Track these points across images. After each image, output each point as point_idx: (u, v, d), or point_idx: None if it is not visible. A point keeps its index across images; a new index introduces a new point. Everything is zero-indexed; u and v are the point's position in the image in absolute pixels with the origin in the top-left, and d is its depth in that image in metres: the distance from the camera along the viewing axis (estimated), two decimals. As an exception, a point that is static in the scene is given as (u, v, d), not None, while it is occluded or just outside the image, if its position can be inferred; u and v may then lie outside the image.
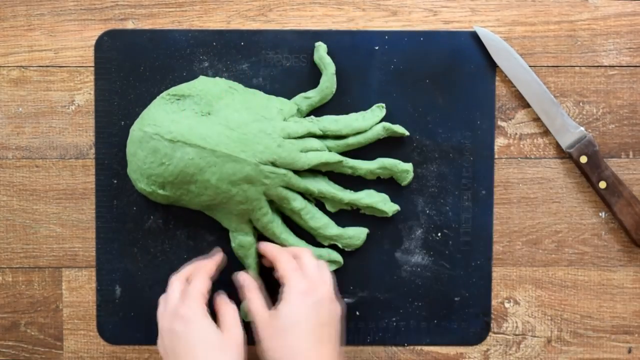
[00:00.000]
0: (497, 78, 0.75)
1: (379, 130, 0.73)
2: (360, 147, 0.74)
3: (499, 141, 0.76)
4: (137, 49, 0.74)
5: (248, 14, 0.75)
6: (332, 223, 0.74)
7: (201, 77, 0.73)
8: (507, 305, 0.76)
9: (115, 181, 0.75)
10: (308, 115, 0.74)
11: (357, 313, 0.76)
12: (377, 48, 0.75)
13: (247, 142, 0.69)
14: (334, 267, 0.75)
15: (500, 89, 0.76)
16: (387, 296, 0.76)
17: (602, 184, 0.74)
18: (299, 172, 0.72)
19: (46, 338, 0.76)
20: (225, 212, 0.71)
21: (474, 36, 0.75)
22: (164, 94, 0.71)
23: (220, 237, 0.74)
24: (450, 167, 0.75)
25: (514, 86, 0.75)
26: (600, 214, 0.76)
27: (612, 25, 0.75)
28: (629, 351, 0.77)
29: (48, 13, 0.75)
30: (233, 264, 0.73)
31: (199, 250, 0.75)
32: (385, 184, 0.75)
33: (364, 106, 0.74)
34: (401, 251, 0.76)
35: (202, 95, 0.70)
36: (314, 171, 0.73)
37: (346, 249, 0.75)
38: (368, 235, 0.75)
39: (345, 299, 0.76)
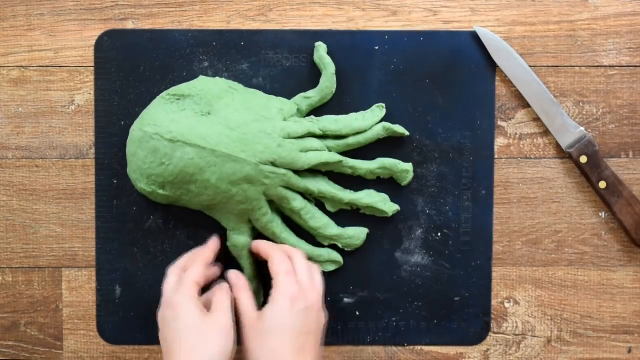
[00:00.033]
0: (497, 78, 0.75)
1: (379, 130, 0.73)
2: (360, 147, 0.74)
3: (499, 141, 0.76)
4: (137, 49, 0.74)
5: (248, 14, 0.75)
6: (332, 223, 0.74)
7: (201, 77, 0.73)
8: (507, 305, 0.76)
9: (115, 181, 0.75)
10: (308, 115, 0.74)
11: (357, 313, 0.76)
12: (377, 48, 0.75)
13: (247, 142, 0.69)
14: (334, 267, 0.75)
15: (500, 89, 0.76)
16: (387, 296, 0.76)
17: (602, 184, 0.74)
18: (299, 172, 0.72)
19: (46, 338, 0.76)
20: (225, 212, 0.71)
21: (474, 36, 0.75)
22: (164, 94, 0.71)
23: (220, 237, 0.74)
24: (450, 167, 0.75)
25: (514, 86, 0.75)
26: (600, 214, 0.76)
27: (612, 25, 0.75)
28: (629, 351, 0.77)
29: (48, 13, 0.75)
30: (234, 260, 0.73)
31: (199, 250, 0.75)
32: (385, 184, 0.75)
33: (364, 106, 0.74)
34: (401, 251, 0.76)
35: (202, 95, 0.70)
36: (314, 171, 0.73)
37: (346, 249, 0.75)
38: (368, 235, 0.75)
39: (345, 299, 0.76)
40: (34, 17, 0.75)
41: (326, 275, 0.75)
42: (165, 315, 0.66)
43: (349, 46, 0.74)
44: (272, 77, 0.74)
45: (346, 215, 0.75)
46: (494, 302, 0.76)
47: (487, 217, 0.76)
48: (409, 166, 0.74)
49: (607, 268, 0.76)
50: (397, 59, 0.75)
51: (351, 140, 0.73)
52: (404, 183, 0.75)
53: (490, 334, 0.76)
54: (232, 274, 0.70)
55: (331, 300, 0.75)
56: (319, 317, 0.67)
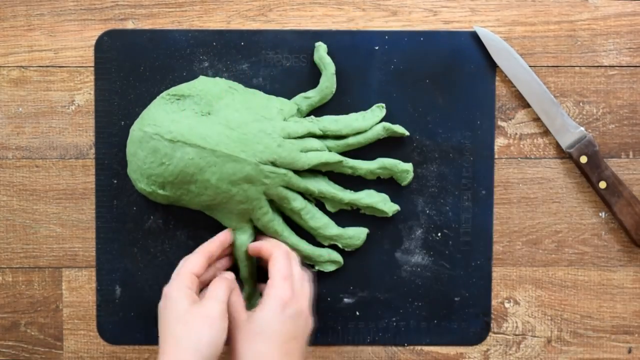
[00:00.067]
0: (497, 78, 0.75)
1: (379, 130, 0.73)
2: (360, 147, 0.74)
3: (499, 141, 0.76)
4: (137, 49, 0.74)
5: (248, 14, 0.75)
6: (332, 223, 0.74)
7: (201, 77, 0.73)
8: (507, 305, 0.76)
9: (115, 181, 0.75)
10: (308, 115, 0.74)
11: (357, 313, 0.76)
12: (377, 48, 0.75)
13: (247, 141, 0.69)
14: (334, 267, 0.75)
15: (500, 89, 0.76)
16: (387, 296, 0.76)
17: (602, 184, 0.74)
18: (299, 172, 0.72)
19: (46, 338, 0.76)
20: (225, 211, 0.71)
21: (474, 36, 0.75)
22: (164, 94, 0.71)
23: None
24: (450, 167, 0.75)
25: (514, 86, 0.75)
26: (600, 214, 0.76)
27: (612, 25, 0.75)
28: (629, 351, 0.77)
29: (48, 13, 0.75)
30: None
31: (199, 250, 0.75)
32: (385, 184, 0.75)
33: (364, 106, 0.74)
34: (401, 251, 0.76)
35: (202, 95, 0.70)
36: (314, 171, 0.73)
37: (346, 249, 0.75)
38: (368, 235, 0.75)
39: (345, 299, 0.76)
40: (34, 17, 0.75)
41: (326, 275, 0.75)
42: (159, 306, 0.66)
43: (349, 46, 0.74)
44: (272, 77, 0.74)
45: (346, 215, 0.75)
46: (494, 302, 0.76)
47: (487, 217, 0.76)
48: (409, 166, 0.74)
49: (607, 268, 0.76)
50: (397, 59, 0.75)
51: (351, 140, 0.73)
52: (404, 183, 0.75)
53: (490, 334, 0.76)
54: (226, 275, 0.70)
55: (331, 300, 0.75)
56: (307, 323, 0.67)
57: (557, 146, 0.76)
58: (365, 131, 0.73)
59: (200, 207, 0.71)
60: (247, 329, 0.65)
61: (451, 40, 0.75)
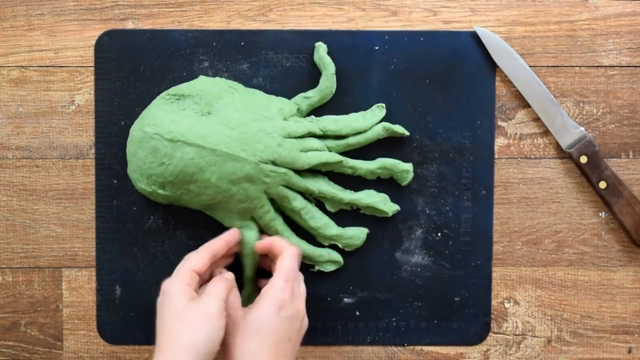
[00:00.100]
0: (497, 78, 0.75)
1: (379, 130, 0.73)
2: (360, 147, 0.74)
3: (499, 141, 0.76)
4: (137, 49, 0.74)
5: (248, 14, 0.75)
6: (332, 223, 0.74)
7: (201, 77, 0.73)
8: (507, 305, 0.76)
9: (115, 181, 0.75)
10: (308, 115, 0.74)
11: (357, 313, 0.76)
12: (377, 48, 0.75)
13: (247, 141, 0.69)
14: (334, 267, 0.75)
15: (500, 89, 0.76)
16: (387, 296, 0.76)
17: (602, 184, 0.74)
18: (299, 172, 0.72)
19: (46, 338, 0.76)
20: (225, 211, 0.71)
21: (474, 36, 0.75)
22: (164, 94, 0.71)
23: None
24: (450, 167, 0.75)
25: (514, 86, 0.75)
26: (600, 214, 0.76)
27: (612, 25, 0.75)
28: (629, 351, 0.77)
29: (48, 13, 0.75)
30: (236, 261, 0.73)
31: (199, 250, 0.74)
32: (385, 184, 0.75)
33: (364, 106, 0.74)
34: (401, 251, 0.75)
35: (202, 95, 0.70)
36: (314, 171, 0.73)
37: (346, 249, 0.75)
38: (368, 235, 0.75)
39: (345, 299, 0.76)
40: (34, 17, 0.75)
41: (326, 275, 0.75)
42: (158, 302, 0.65)
43: (349, 46, 0.74)
44: (272, 77, 0.75)
45: (346, 215, 0.75)
46: (494, 302, 0.76)
47: (487, 217, 0.76)
48: (409, 166, 0.74)
49: (607, 268, 0.76)
50: (397, 59, 0.75)
51: (351, 140, 0.73)
52: (404, 183, 0.75)
53: (490, 334, 0.76)
54: (225, 274, 0.70)
55: (331, 300, 0.75)
56: (302, 326, 0.67)
57: (557, 146, 0.76)
58: (365, 131, 0.73)
59: (200, 206, 0.71)
60: (242, 327, 0.65)
61: (451, 40, 0.75)
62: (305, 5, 0.75)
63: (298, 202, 0.72)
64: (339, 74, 0.74)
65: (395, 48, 0.75)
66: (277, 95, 0.74)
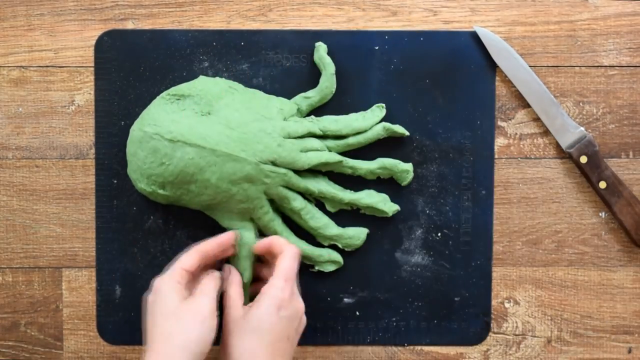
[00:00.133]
0: (497, 78, 0.75)
1: (379, 130, 0.73)
2: (360, 147, 0.74)
3: (499, 141, 0.76)
4: (137, 49, 0.74)
5: (248, 14, 0.75)
6: (332, 223, 0.74)
7: (201, 77, 0.73)
8: (507, 305, 0.76)
9: (115, 181, 0.75)
10: (308, 115, 0.74)
11: (357, 313, 0.76)
12: (377, 48, 0.75)
13: (247, 141, 0.69)
14: (334, 267, 0.75)
15: (500, 89, 0.76)
16: (387, 296, 0.76)
17: (602, 184, 0.74)
18: (299, 172, 0.72)
19: (46, 338, 0.76)
20: (225, 211, 0.71)
21: (474, 36, 0.75)
22: (164, 94, 0.71)
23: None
24: (450, 167, 0.75)
25: (514, 86, 0.75)
26: (600, 214, 0.76)
27: (612, 25, 0.75)
28: (629, 351, 0.77)
29: (48, 13, 0.75)
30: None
31: (199, 250, 0.74)
32: (385, 184, 0.75)
33: (364, 106, 0.74)
34: (401, 251, 0.75)
35: (202, 95, 0.70)
36: (314, 171, 0.73)
37: (346, 249, 0.75)
38: (368, 235, 0.75)
39: (345, 299, 0.76)
40: (34, 17, 0.75)
41: (326, 275, 0.75)
42: (148, 299, 0.65)
43: (349, 46, 0.74)
44: (272, 77, 0.75)
45: (346, 215, 0.75)
46: (494, 302, 0.76)
47: (487, 217, 0.76)
48: (409, 166, 0.74)
49: (607, 268, 0.76)
50: (397, 59, 0.75)
51: (351, 140, 0.73)
52: (404, 183, 0.75)
53: (490, 334, 0.76)
54: (227, 267, 0.70)
55: (331, 300, 0.75)
56: (300, 325, 0.67)
57: (557, 146, 0.76)
58: (365, 131, 0.73)
59: (200, 207, 0.71)
60: (242, 326, 0.65)
61: (451, 40, 0.75)
62: (305, 5, 0.75)
63: (298, 203, 0.72)
64: (339, 74, 0.74)
65: (395, 48, 0.75)
66: (277, 95, 0.74)
